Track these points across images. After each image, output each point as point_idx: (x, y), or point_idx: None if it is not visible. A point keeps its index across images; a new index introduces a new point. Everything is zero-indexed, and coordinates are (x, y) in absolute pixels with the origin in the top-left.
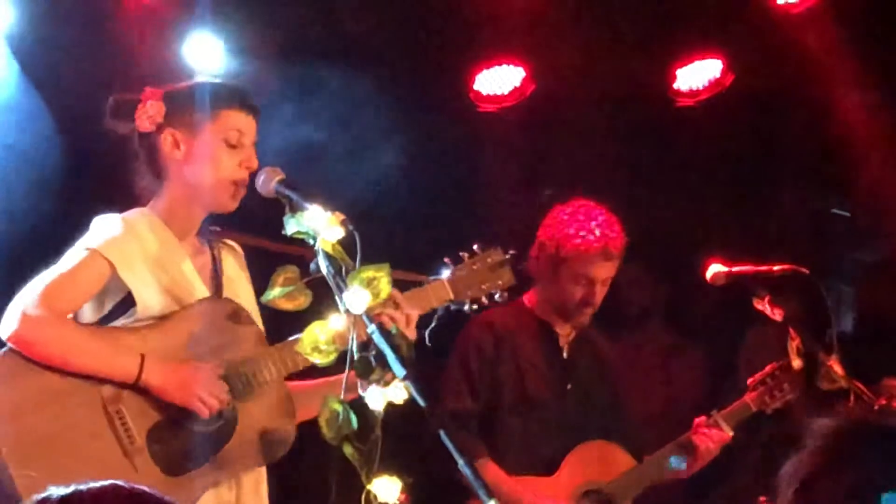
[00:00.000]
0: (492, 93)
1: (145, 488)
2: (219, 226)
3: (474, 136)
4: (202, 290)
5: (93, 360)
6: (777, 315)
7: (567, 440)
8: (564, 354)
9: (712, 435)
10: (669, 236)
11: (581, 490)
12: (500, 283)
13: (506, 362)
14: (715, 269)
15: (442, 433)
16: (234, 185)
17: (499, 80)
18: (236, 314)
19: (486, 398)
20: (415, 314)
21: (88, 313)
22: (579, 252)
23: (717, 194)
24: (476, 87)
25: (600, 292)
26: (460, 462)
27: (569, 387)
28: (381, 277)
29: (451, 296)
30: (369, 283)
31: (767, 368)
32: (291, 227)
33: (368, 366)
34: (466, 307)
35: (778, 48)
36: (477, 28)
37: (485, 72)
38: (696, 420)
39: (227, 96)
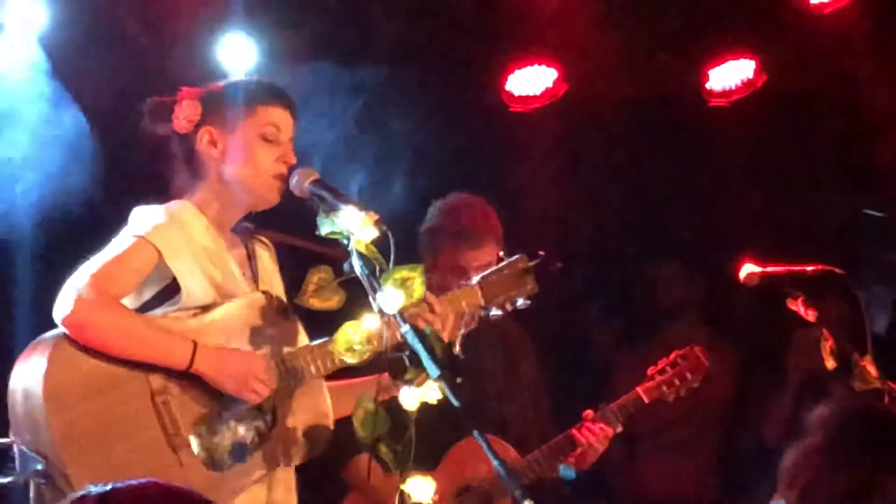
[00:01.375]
0: (524, 94)
1: (182, 486)
2: (251, 223)
3: (506, 138)
4: (243, 283)
5: (145, 346)
6: (810, 315)
7: (451, 436)
8: (455, 350)
9: (595, 430)
10: (702, 236)
11: (457, 487)
12: (525, 289)
13: None
14: (748, 269)
15: (476, 433)
16: (273, 179)
17: (531, 81)
18: (280, 309)
19: None
20: (451, 317)
21: (128, 301)
22: (451, 242)
23: (749, 194)
24: (508, 87)
25: None
26: (495, 463)
27: (458, 381)
28: (415, 278)
29: (482, 301)
30: (403, 284)
31: (671, 357)
32: (325, 227)
33: (402, 366)
34: (493, 312)
35: (811, 48)
36: (509, 28)
37: (516, 72)
38: (585, 413)
39: (263, 92)
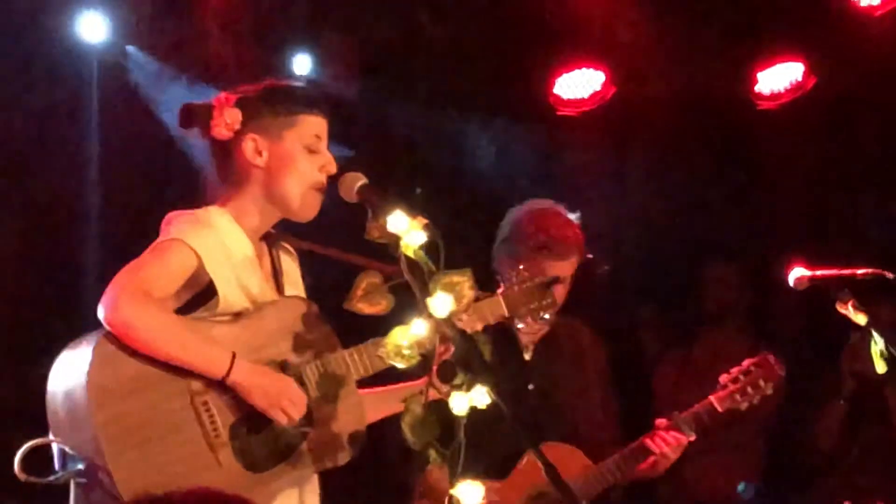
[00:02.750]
0: (572, 97)
1: (235, 494)
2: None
3: (554, 141)
4: (272, 291)
5: (185, 352)
6: (861, 319)
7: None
8: (527, 355)
9: (669, 439)
10: (750, 239)
11: (529, 495)
12: (546, 303)
13: None
14: (797, 272)
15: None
16: (315, 191)
17: (579, 84)
18: (313, 314)
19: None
20: (479, 327)
21: (170, 304)
22: (536, 252)
23: (798, 197)
24: (556, 91)
25: (561, 292)
26: (545, 469)
27: (530, 387)
28: (464, 282)
29: (506, 312)
30: (452, 288)
31: (744, 365)
32: (374, 231)
33: (451, 370)
34: (520, 325)
35: (860, 50)
36: (557, 32)
37: (564, 76)
38: (657, 421)
39: (304, 100)
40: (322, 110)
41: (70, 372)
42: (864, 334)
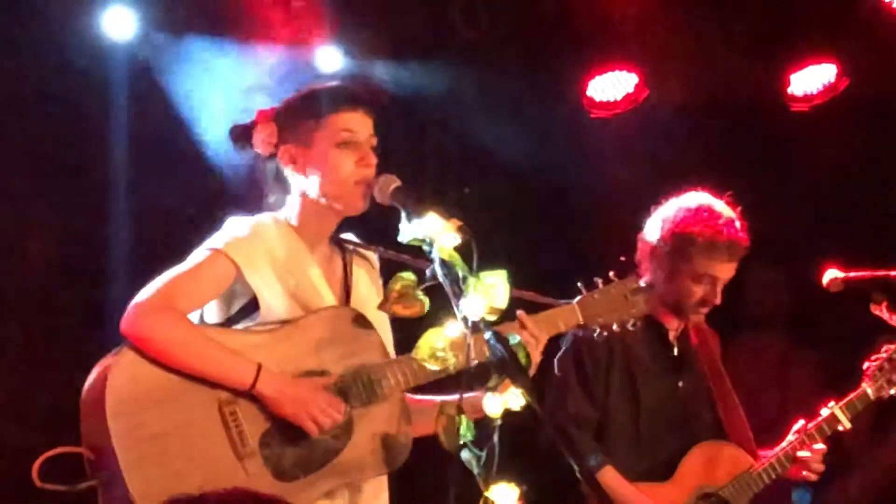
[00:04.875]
0: (604, 99)
1: (270, 493)
2: (357, 237)
3: (587, 143)
4: (329, 298)
5: (207, 363)
6: (895, 321)
7: (680, 442)
8: (674, 351)
9: (816, 454)
10: (785, 242)
11: (696, 495)
12: (633, 311)
13: (617, 364)
14: (831, 274)
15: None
16: (355, 184)
17: (611, 86)
18: (360, 321)
19: (601, 402)
20: (543, 337)
21: (215, 314)
22: (706, 252)
23: (831, 199)
24: (589, 93)
25: (720, 292)
26: (577, 470)
27: (680, 384)
28: (499, 284)
29: (581, 320)
30: (486, 290)
31: (884, 352)
32: (408, 234)
33: (486, 372)
34: (596, 333)
35: (892, 51)
36: (590, 34)
37: (597, 78)
38: (798, 428)
39: (332, 99)
40: (353, 104)
41: (94, 383)
42: (894, 337)
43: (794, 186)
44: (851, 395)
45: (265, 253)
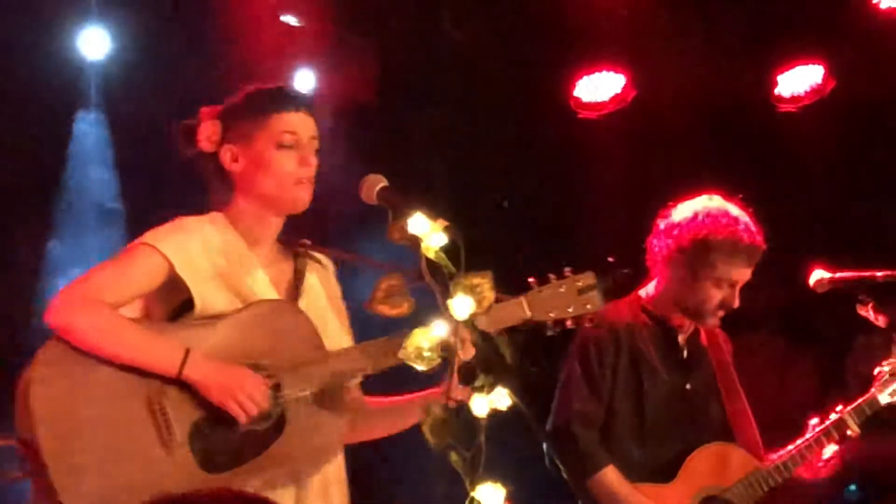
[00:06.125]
0: (592, 100)
1: (256, 494)
2: (311, 240)
3: (574, 143)
4: (274, 295)
5: (134, 351)
6: (881, 321)
7: (685, 443)
8: (684, 353)
9: (830, 460)
10: (772, 243)
11: (699, 497)
12: (588, 307)
13: (624, 364)
14: (818, 275)
15: (545, 445)
16: (296, 185)
17: (599, 87)
18: (295, 315)
19: (607, 400)
20: (491, 330)
21: (157, 311)
22: (728, 258)
23: (818, 200)
24: (576, 93)
25: (738, 295)
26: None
27: (688, 386)
28: (485, 284)
29: (528, 314)
30: (473, 290)
31: (893, 360)
32: (395, 233)
33: (473, 373)
34: (549, 330)
35: (880, 53)
36: (577, 35)
37: (585, 78)
38: (812, 425)
39: (274, 100)
40: (295, 105)
41: (25, 376)
42: (872, 335)
43: (781, 187)
44: (860, 400)
45: (201, 249)
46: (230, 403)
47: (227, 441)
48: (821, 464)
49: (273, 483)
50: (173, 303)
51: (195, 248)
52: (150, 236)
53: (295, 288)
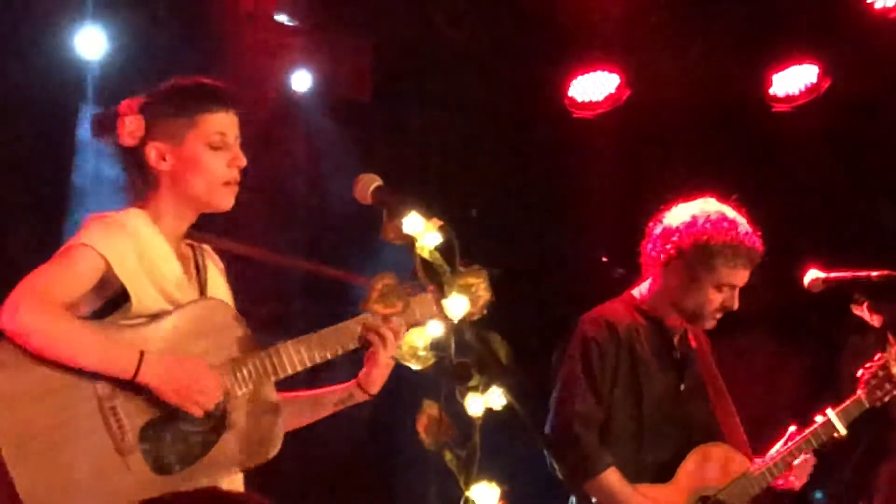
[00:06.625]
0: (586, 99)
1: (242, 493)
2: (198, 230)
3: (568, 143)
4: (190, 292)
5: (89, 354)
6: (876, 321)
7: (681, 443)
8: (677, 353)
9: (805, 465)
10: (767, 243)
11: (696, 497)
12: (479, 303)
13: (623, 363)
14: (812, 274)
15: (546, 451)
16: (225, 186)
17: (593, 87)
18: (230, 316)
19: (606, 400)
20: (402, 330)
21: (82, 309)
22: (729, 261)
23: (813, 200)
24: (570, 93)
25: (737, 298)
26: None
27: (682, 386)
28: (480, 283)
29: (436, 309)
30: (468, 289)
31: (878, 361)
32: (389, 233)
33: (467, 372)
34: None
35: (875, 53)
36: (572, 35)
37: (579, 78)
38: (793, 432)
39: (203, 98)
40: (224, 105)
41: None
42: (865, 335)
43: (776, 187)
44: (847, 402)
45: (133, 247)
46: (188, 403)
47: (175, 443)
48: (792, 478)
49: (219, 482)
50: (100, 301)
51: (128, 247)
52: (85, 236)
53: (200, 279)
